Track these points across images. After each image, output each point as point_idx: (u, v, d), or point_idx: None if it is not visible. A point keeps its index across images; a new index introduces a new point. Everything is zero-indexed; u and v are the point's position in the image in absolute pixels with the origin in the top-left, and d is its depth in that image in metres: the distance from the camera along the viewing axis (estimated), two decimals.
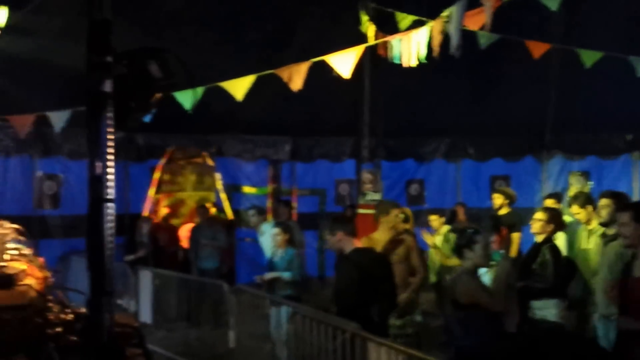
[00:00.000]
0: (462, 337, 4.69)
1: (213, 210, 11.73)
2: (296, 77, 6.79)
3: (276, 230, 7.42)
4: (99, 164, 2.60)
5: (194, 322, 9.09)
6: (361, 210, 10.19)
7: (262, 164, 13.13)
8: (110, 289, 2.66)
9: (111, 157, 2.63)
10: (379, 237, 6.39)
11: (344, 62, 6.57)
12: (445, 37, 5.73)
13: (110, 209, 2.65)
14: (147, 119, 7.37)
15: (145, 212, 12.00)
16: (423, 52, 5.99)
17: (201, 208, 11.05)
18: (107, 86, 2.54)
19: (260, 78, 7.28)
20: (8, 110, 9.06)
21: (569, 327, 6.09)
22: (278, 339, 6.85)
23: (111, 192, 2.64)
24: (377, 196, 10.19)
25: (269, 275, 7.33)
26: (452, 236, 8.89)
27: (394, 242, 6.44)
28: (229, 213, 12.66)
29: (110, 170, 2.62)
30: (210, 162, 12.90)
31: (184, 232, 11.93)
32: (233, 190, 13.01)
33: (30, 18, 5.98)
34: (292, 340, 6.00)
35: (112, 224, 2.64)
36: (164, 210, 12.30)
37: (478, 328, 4.63)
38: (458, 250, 4.91)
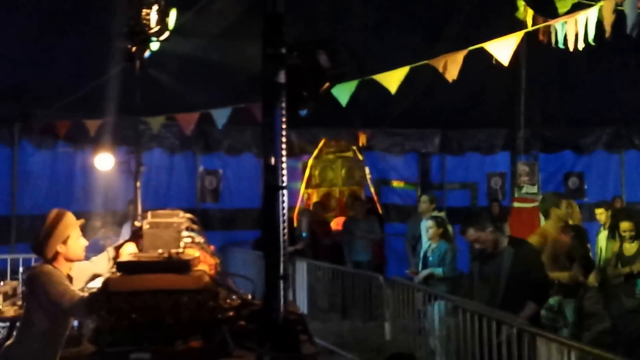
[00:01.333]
0: None
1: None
2: (452, 66, 6.65)
3: (429, 222, 7.35)
4: (272, 153, 2.67)
5: (347, 314, 9.23)
6: (516, 204, 9.87)
7: (411, 157, 13.05)
8: (284, 273, 2.72)
9: (284, 145, 2.70)
10: (549, 228, 6.33)
11: (503, 49, 6.36)
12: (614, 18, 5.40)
13: (283, 196, 2.71)
14: (303, 113, 7.50)
15: (297, 206, 12.36)
16: (591, 35, 5.68)
17: (357, 200, 11.15)
18: (281, 77, 2.61)
19: (412, 69, 7.21)
20: (174, 109, 9.64)
21: None
22: (434, 333, 6.79)
23: (284, 180, 2.71)
24: (533, 189, 9.84)
25: (422, 274, 7.24)
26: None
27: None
28: (378, 207, 12.73)
29: (283, 158, 2.69)
30: (359, 156, 13.03)
31: (334, 225, 12.15)
32: (382, 184, 13.05)
33: (196, 19, 6.30)
34: (452, 335, 5.91)
35: (284, 210, 2.71)
36: (313, 203, 12.62)
37: None
38: None
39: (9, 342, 4.17)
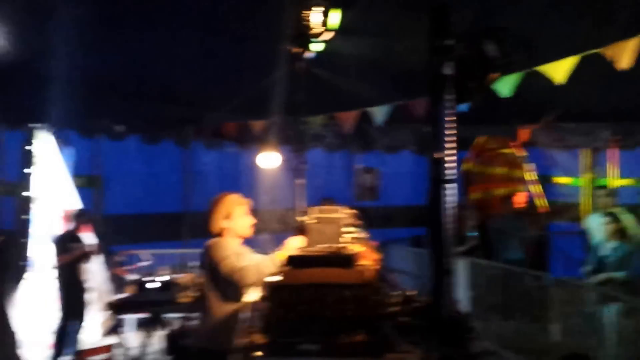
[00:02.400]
0: None
1: (523, 202, 11.43)
2: (624, 54, 6.22)
3: (605, 219, 6.89)
4: (438, 146, 2.65)
5: (509, 314, 8.93)
6: None
7: (577, 153, 12.45)
8: (450, 267, 2.68)
9: (450, 138, 2.67)
10: None
11: None
12: None
13: (450, 189, 2.68)
14: (463, 108, 7.33)
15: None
16: None
17: (507, 199, 10.82)
18: (448, 69, 2.59)
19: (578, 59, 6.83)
20: (333, 108, 9.83)
21: None
22: (605, 336, 6.41)
23: (451, 173, 2.67)
24: None
25: (599, 278, 6.78)
26: None
27: None
28: (542, 205, 12.25)
29: (451, 151, 2.66)
30: (521, 152, 12.60)
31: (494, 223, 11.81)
32: (545, 181, 12.55)
33: (357, 17, 6.37)
34: (627, 339, 5.55)
35: (452, 205, 2.67)
36: (473, 200, 12.36)
37: None
38: None
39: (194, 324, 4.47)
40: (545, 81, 7.04)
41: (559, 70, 6.73)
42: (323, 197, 9.94)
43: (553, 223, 12.14)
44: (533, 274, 8.36)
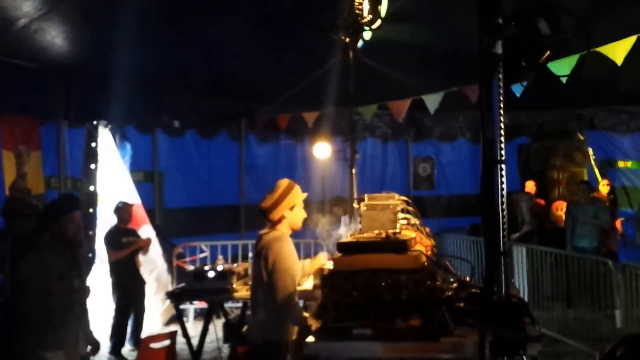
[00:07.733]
0: None
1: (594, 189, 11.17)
2: None
3: None
4: (490, 126, 2.61)
5: (572, 302, 8.75)
6: None
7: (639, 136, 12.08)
8: (505, 249, 2.64)
9: (501, 118, 2.62)
10: None
11: None
12: None
13: (502, 170, 2.63)
14: (517, 92, 7.18)
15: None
16: None
17: (582, 184, 10.50)
18: (498, 48, 2.54)
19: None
20: (385, 97, 9.76)
21: None
22: None
23: (502, 154, 2.63)
24: None
25: None
26: None
27: None
28: (603, 190, 11.91)
29: (501, 132, 2.62)
30: (580, 136, 12.32)
31: (554, 210, 11.58)
32: (607, 165, 12.20)
33: (405, 5, 6.32)
34: None
35: (504, 185, 2.64)
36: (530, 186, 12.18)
37: None
38: None
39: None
40: (606, 62, 6.83)
41: (619, 51, 6.50)
42: (334, 196, 9.97)
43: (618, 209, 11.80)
44: (597, 260, 8.15)
